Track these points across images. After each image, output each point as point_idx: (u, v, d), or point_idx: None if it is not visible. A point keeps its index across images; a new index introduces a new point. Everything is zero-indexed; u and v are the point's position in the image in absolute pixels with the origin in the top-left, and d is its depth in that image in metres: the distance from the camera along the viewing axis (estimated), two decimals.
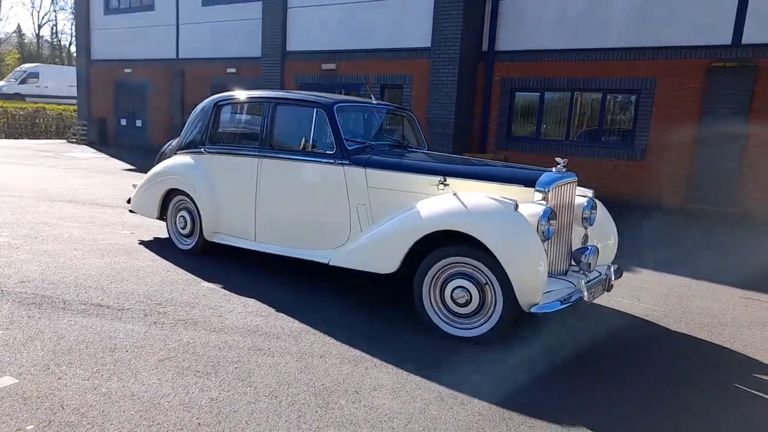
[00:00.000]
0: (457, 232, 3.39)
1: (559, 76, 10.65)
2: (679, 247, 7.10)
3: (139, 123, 18.13)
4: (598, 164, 10.32)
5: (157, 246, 5.52)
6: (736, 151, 9.15)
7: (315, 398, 2.74)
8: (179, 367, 2.97)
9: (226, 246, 4.96)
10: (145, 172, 5.75)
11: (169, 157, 5.54)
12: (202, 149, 5.09)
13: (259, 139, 4.70)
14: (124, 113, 18.48)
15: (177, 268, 4.82)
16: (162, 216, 5.51)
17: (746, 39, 9.00)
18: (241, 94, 5.03)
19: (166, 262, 4.96)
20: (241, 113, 5.10)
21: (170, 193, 5.34)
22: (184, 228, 5.29)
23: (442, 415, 2.64)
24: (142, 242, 5.64)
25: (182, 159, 5.27)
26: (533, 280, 3.20)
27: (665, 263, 5.93)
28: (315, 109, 4.43)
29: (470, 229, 3.31)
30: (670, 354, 3.61)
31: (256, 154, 4.66)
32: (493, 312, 3.40)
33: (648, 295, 4.84)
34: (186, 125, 5.43)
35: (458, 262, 3.46)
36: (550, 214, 3.36)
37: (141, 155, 15.01)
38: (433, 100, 11.36)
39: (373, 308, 4.13)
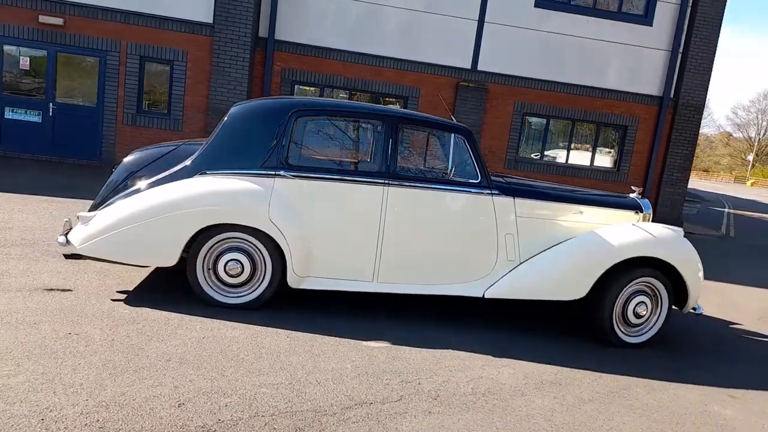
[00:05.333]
0: (647, 257, 4.15)
1: (338, 75, 11.25)
2: None
3: None
4: None
5: (177, 304, 3.93)
6: None
7: None
8: None
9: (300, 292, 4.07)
10: None
11: (158, 184, 3.93)
12: (275, 172, 3.92)
13: (380, 163, 4.05)
14: None
15: (296, 332, 3.75)
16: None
17: (481, 66, 11.73)
18: (334, 105, 4.12)
19: (263, 329, 3.74)
20: (339, 129, 4.16)
21: (205, 231, 3.88)
22: (238, 275, 3.96)
23: None
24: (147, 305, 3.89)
25: (232, 184, 3.89)
26: (700, 288, 4.30)
27: None
28: (453, 135, 4.19)
29: (666, 256, 4.13)
30: None
31: (382, 182, 4.02)
32: (657, 319, 4.33)
33: None
34: (220, 138, 3.99)
35: (638, 283, 4.22)
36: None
37: None
38: (218, 85, 10.22)
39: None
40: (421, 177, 4.17)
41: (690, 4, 12.01)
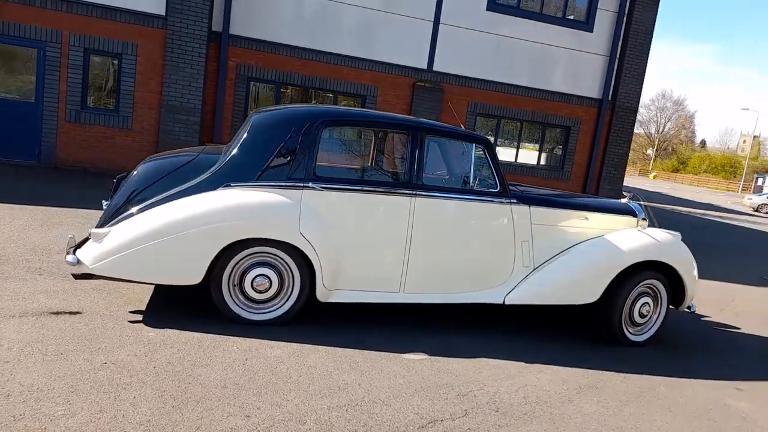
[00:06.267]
0: (652, 261, 4.41)
1: (296, 72, 11.00)
2: None
3: None
4: None
5: (199, 323, 3.74)
6: None
7: None
8: None
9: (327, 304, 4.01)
10: None
11: (179, 197, 3.72)
12: (303, 184, 3.81)
13: (406, 174, 4.03)
14: None
15: (332, 348, 3.67)
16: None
17: (436, 67, 11.89)
18: (361, 115, 4.04)
19: (305, 346, 3.64)
20: (365, 139, 4.07)
21: (231, 246, 3.70)
22: (265, 291, 3.81)
23: None
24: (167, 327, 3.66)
25: (261, 197, 3.74)
26: (696, 287, 4.64)
27: None
28: (474, 144, 4.26)
29: (668, 259, 4.42)
30: None
31: (409, 192, 4.01)
32: (657, 318, 4.62)
33: None
34: (243, 149, 3.81)
35: (644, 285, 4.49)
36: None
37: None
38: (172, 81, 9.69)
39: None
40: (445, 187, 4.20)
41: (626, 13, 12.79)
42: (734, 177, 63.95)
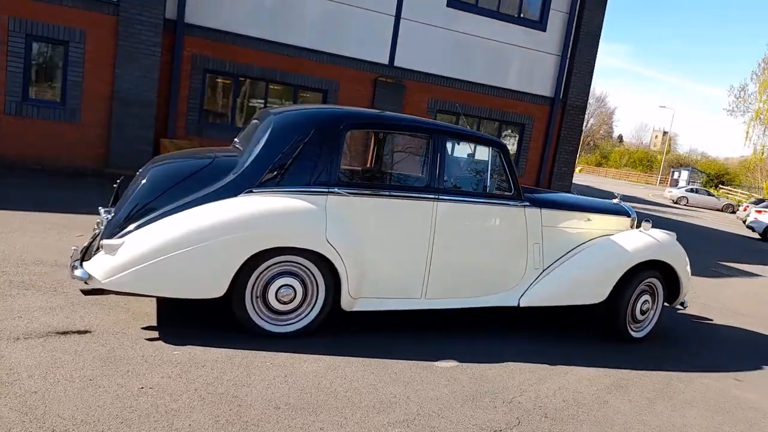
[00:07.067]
0: (654, 260, 4.60)
1: (255, 65, 10.62)
2: None
3: None
4: None
5: (220, 337, 3.54)
6: None
7: None
8: None
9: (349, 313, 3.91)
10: None
11: (198, 204, 3.49)
12: (329, 189, 3.67)
13: (429, 178, 3.97)
14: None
15: (365, 359, 3.57)
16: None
17: (398, 63, 11.84)
18: (385, 117, 3.91)
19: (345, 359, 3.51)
20: (389, 143, 3.95)
21: (255, 257, 3.51)
22: (289, 302, 3.65)
23: None
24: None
25: (286, 204, 3.56)
26: (690, 285, 4.88)
27: None
28: (491, 148, 4.26)
29: (668, 258, 4.62)
30: None
31: (432, 197, 3.95)
32: (654, 315, 4.83)
33: None
34: (264, 152, 3.62)
35: (645, 283, 4.68)
36: None
37: None
38: (125, 72, 9.08)
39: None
40: (465, 191, 4.17)
41: (576, 14, 13.26)
42: (651, 170, 68.21)
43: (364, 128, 3.89)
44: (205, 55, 10.22)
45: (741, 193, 44.11)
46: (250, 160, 3.62)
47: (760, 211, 19.76)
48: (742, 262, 11.54)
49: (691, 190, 37.74)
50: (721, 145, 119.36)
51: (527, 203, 4.39)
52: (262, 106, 11.06)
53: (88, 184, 8.45)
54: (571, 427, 3.06)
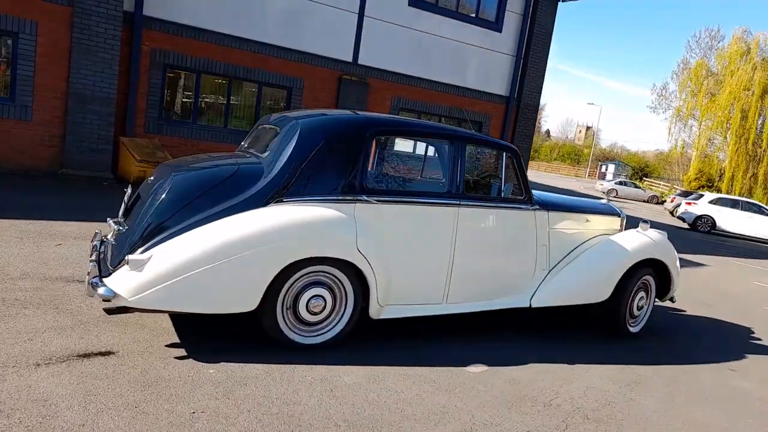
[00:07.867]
0: (650, 259, 4.82)
1: (217, 60, 10.24)
2: None
3: None
4: None
5: (248, 352, 3.41)
6: None
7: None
8: None
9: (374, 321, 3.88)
10: None
11: (226, 214, 3.34)
12: (356, 197, 3.60)
13: (450, 184, 3.98)
14: None
15: (400, 368, 3.54)
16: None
17: (361, 60, 11.77)
18: (409, 124, 3.88)
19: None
20: (412, 149, 3.90)
21: (287, 268, 3.39)
22: (319, 312, 3.56)
23: None
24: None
25: (318, 213, 3.46)
26: (679, 281, 5.14)
27: None
28: (504, 153, 4.32)
29: (662, 256, 4.86)
30: None
31: (455, 203, 3.96)
32: (647, 310, 5.07)
33: None
34: (293, 160, 3.49)
35: (642, 280, 4.89)
36: None
37: None
38: (81, 66, 8.51)
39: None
40: (483, 196, 4.21)
41: (530, 16, 13.63)
42: (578, 164, 71.38)
43: (390, 134, 3.84)
44: (165, 50, 9.75)
45: (663, 185, 47.06)
46: (278, 168, 3.49)
47: (690, 203, 21.15)
48: (681, 252, 12.28)
49: (620, 183, 39.93)
50: (640, 139, 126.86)
51: (537, 206, 4.49)
52: (225, 105, 10.71)
53: (46, 187, 7.88)
54: (614, 428, 3.17)
